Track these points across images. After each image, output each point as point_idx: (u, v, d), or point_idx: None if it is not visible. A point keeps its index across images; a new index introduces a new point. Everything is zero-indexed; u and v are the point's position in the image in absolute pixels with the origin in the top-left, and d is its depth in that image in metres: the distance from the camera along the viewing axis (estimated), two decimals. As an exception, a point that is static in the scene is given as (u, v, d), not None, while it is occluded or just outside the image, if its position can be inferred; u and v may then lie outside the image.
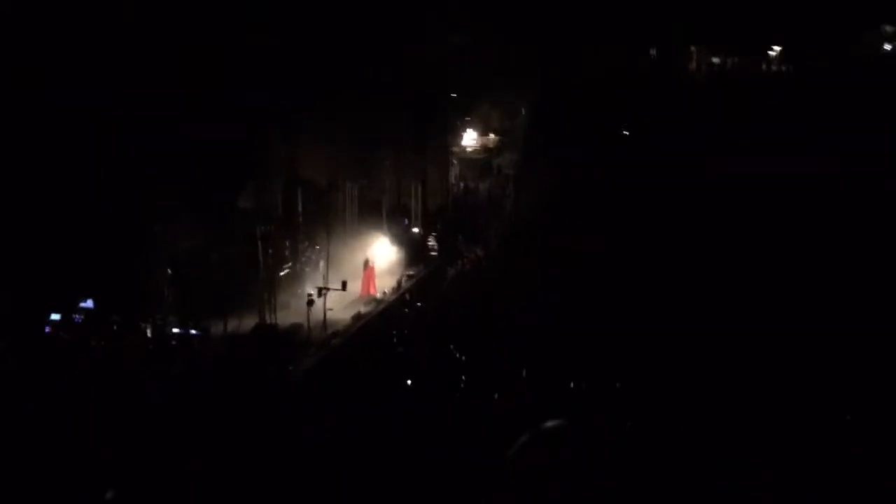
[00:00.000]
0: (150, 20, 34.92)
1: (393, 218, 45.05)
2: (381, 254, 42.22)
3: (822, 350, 29.82)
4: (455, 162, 52.27)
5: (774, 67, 51.71)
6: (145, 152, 33.65)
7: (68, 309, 32.02)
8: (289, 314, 35.93)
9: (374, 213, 44.36)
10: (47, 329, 31.68)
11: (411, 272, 42.41)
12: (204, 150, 35.16)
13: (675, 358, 30.54)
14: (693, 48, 51.97)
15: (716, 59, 52.50)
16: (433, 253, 44.73)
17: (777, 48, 50.77)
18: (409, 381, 30.87)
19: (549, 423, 4.43)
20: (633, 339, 31.92)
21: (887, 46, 49.22)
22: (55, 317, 31.81)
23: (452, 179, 51.11)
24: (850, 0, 46.00)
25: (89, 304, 32.29)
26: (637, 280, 36.68)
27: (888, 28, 48.72)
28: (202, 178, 35.06)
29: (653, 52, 51.75)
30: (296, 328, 34.66)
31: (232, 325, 33.87)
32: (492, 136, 55.29)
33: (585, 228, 42.79)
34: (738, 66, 52.46)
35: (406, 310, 38.95)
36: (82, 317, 32.00)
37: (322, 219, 39.78)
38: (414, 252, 43.96)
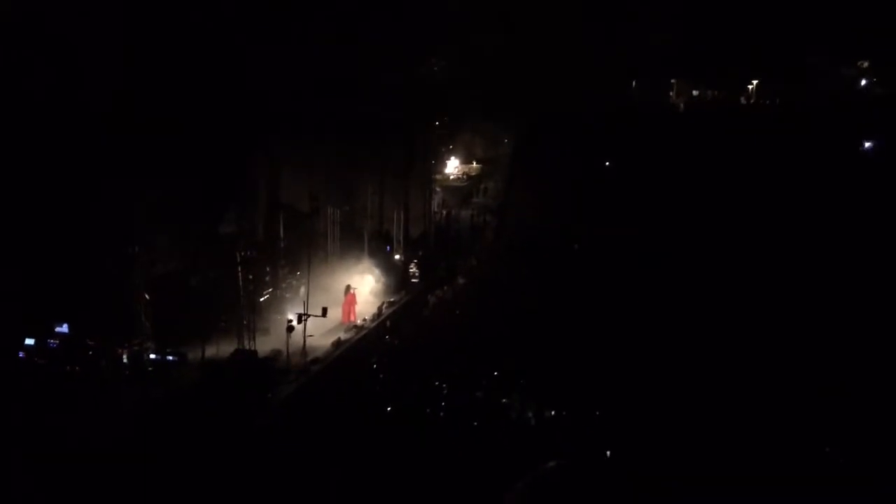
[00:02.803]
0: (135, 47, 34.76)
1: (375, 244, 44.94)
2: (363, 280, 42.06)
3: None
4: (438, 189, 52.40)
5: (752, 100, 52.57)
6: (124, 174, 33.36)
7: (43, 334, 31.44)
8: (268, 340, 35.55)
9: (357, 239, 44.23)
10: (21, 354, 31.11)
11: (393, 299, 42.23)
12: (185, 172, 34.93)
13: (655, 381, 30.63)
14: (674, 81, 52.78)
15: (696, 92, 53.33)
16: (415, 280, 44.60)
17: (755, 82, 51.67)
18: (388, 409, 30.62)
19: (547, 466, 4.33)
20: (613, 366, 31.99)
21: (863, 81, 50.24)
22: (29, 342, 31.22)
23: (435, 206, 51.16)
24: (829, 36, 46.94)
25: (65, 328, 31.73)
26: (619, 309, 36.75)
27: (864, 64, 49.77)
28: (183, 201, 34.77)
29: (634, 84, 52.50)
30: (275, 354, 34.31)
31: (210, 350, 33.40)
32: (475, 164, 55.58)
33: (567, 256, 43.04)
34: (718, 98, 53.34)
35: (386, 337, 38.69)
36: (57, 342, 31.42)
37: (304, 244, 39.54)
38: (396, 278, 43.82)
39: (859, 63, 49.95)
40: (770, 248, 39.89)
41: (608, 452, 25.58)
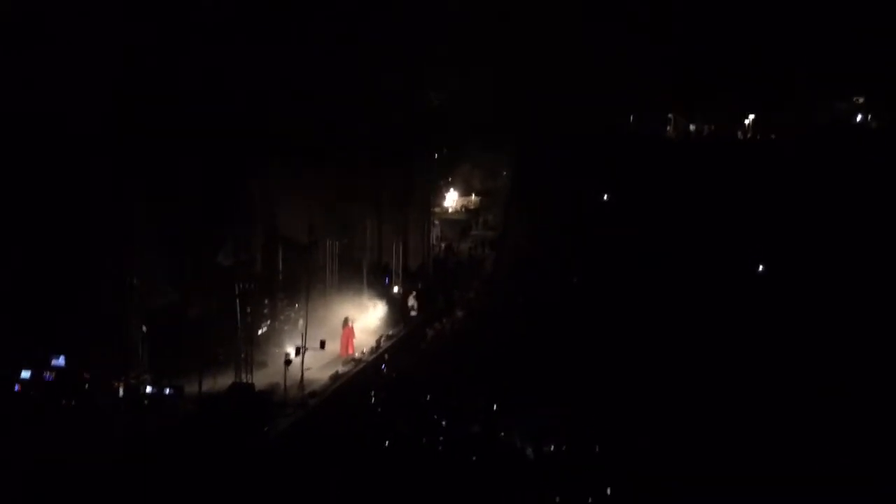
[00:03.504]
0: (129, 77, 34.92)
1: (374, 276, 44.88)
2: (361, 313, 41.93)
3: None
4: (436, 222, 52.45)
5: (749, 134, 52.94)
6: (122, 206, 33.42)
7: (39, 366, 31.24)
8: (266, 373, 35.35)
9: (355, 271, 44.16)
10: (17, 388, 30.89)
11: (391, 332, 42.07)
12: (183, 204, 35.00)
13: (652, 417, 30.55)
14: (671, 115, 53.17)
15: (692, 126, 53.72)
16: (413, 312, 44.46)
17: (752, 116, 52.09)
18: (386, 443, 30.40)
19: None
20: (612, 403, 31.87)
21: (858, 116, 50.69)
22: (25, 374, 31.03)
23: (434, 239, 51.16)
24: (825, 72, 47.45)
25: (61, 361, 31.54)
26: (617, 341, 36.70)
27: (860, 99, 50.27)
28: (181, 232, 34.80)
29: (632, 118, 52.90)
30: (272, 387, 34.09)
31: (207, 383, 33.20)
32: (474, 196, 55.72)
33: (565, 290, 43.01)
34: (714, 132, 53.71)
35: (384, 370, 38.49)
36: (53, 375, 31.22)
37: (302, 277, 39.49)
38: (394, 311, 43.69)
39: (855, 98, 50.45)
40: (765, 285, 40.14)
41: (608, 490, 25.44)
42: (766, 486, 24.94)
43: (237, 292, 35.78)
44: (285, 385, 33.84)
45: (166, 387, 32.11)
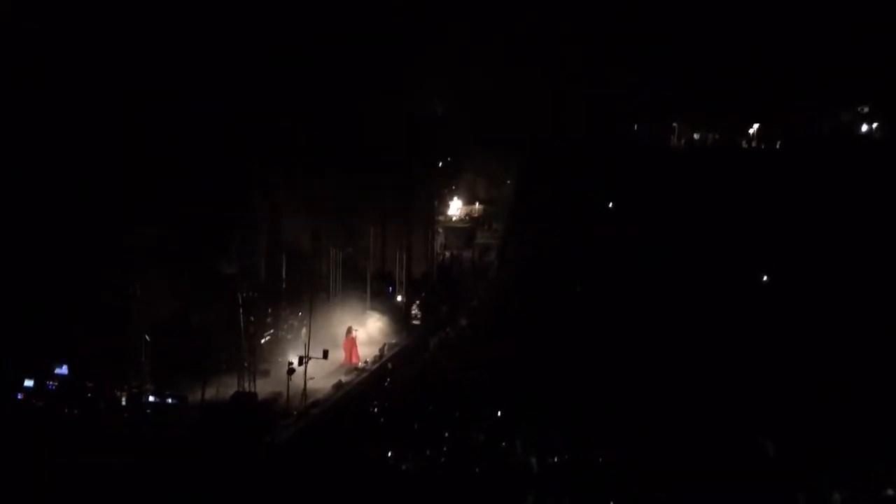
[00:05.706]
0: (130, 82, 34.85)
1: (377, 285, 44.84)
2: (365, 322, 41.89)
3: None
4: (440, 230, 52.50)
5: (754, 143, 52.93)
6: (125, 214, 33.39)
7: (42, 375, 31.21)
8: (268, 382, 35.31)
9: (359, 280, 44.14)
10: (20, 396, 30.87)
11: (394, 341, 41.99)
12: (187, 212, 34.98)
13: (657, 424, 30.36)
14: (675, 124, 53.23)
15: (696, 135, 53.76)
16: (416, 322, 44.39)
17: (756, 125, 52.09)
18: (389, 454, 30.24)
19: None
20: (615, 414, 31.69)
21: (864, 126, 50.61)
22: (28, 383, 31.00)
23: (437, 248, 51.19)
24: (830, 81, 47.43)
25: (64, 370, 31.50)
26: (621, 349, 36.54)
27: (864, 109, 50.20)
28: (184, 241, 34.78)
29: (636, 127, 52.96)
30: (275, 397, 34.03)
31: (210, 392, 33.13)
32: (477, 205, 55.82)
33: (569, 300, 42.92)
34: (718, 141, 53.74)
35: (387, 379, 38.40)
36: (56, 383, 31.18)
37: (305, 285, 39.45)
38: (397, 320, 43.64)
39: (859, 108, 50.40)
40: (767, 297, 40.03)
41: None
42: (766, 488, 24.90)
43: (240, 301, 35.72)
44: (288, 394, 33.75)
45: (168, 396, 32.02)
